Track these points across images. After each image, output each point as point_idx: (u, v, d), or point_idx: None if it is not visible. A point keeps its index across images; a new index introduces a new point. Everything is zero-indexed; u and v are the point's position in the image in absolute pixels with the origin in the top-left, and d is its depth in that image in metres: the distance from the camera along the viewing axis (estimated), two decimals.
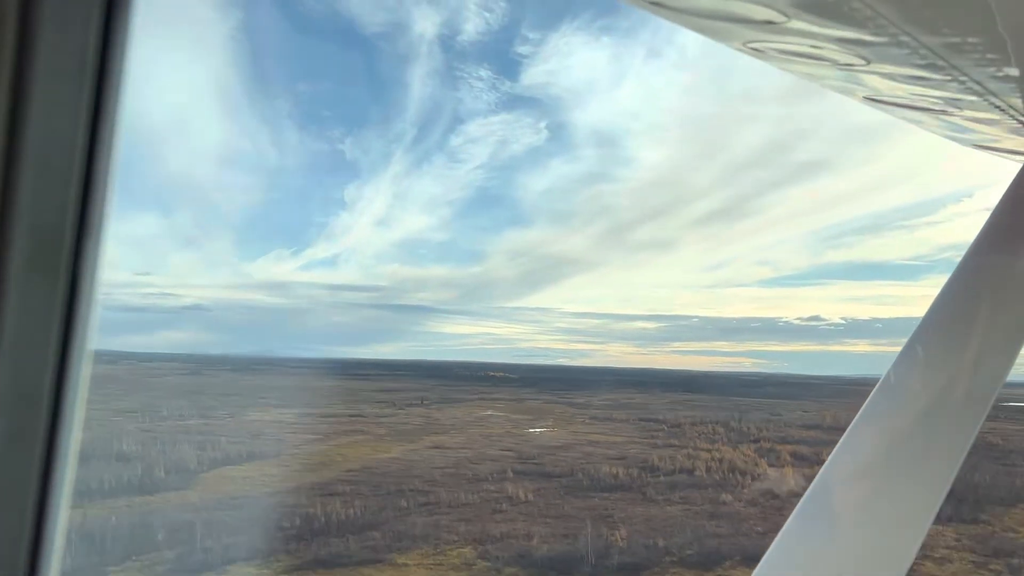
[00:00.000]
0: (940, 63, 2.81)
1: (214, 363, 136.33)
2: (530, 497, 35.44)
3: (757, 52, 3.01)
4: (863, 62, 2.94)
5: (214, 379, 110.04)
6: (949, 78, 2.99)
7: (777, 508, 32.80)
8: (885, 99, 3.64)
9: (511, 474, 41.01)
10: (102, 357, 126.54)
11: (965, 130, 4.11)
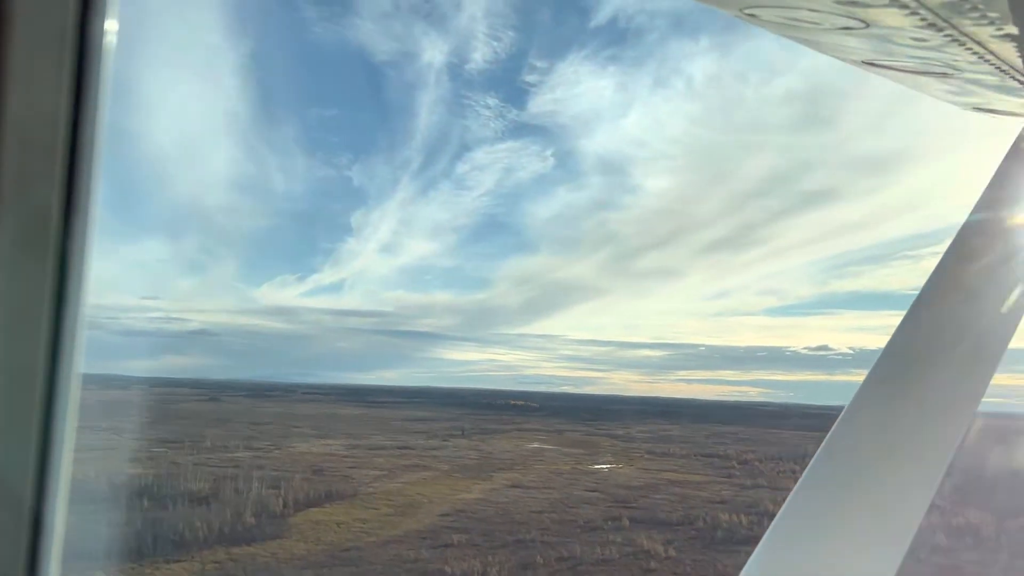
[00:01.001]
0: (940, 23, 2.81)
1: (226, 388, 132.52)
2: (670, 552, 32.19)
3: (753, 18, 2.99)
4: (862, 24, 2.92)
5: (235, 406, 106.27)
6: (949, 39, 2.99)
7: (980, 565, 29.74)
8: (884, 63, 3.59)
9: (626, 522, 37.79)
10: (113, 382, 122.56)
11: (964, 92, 4.01)
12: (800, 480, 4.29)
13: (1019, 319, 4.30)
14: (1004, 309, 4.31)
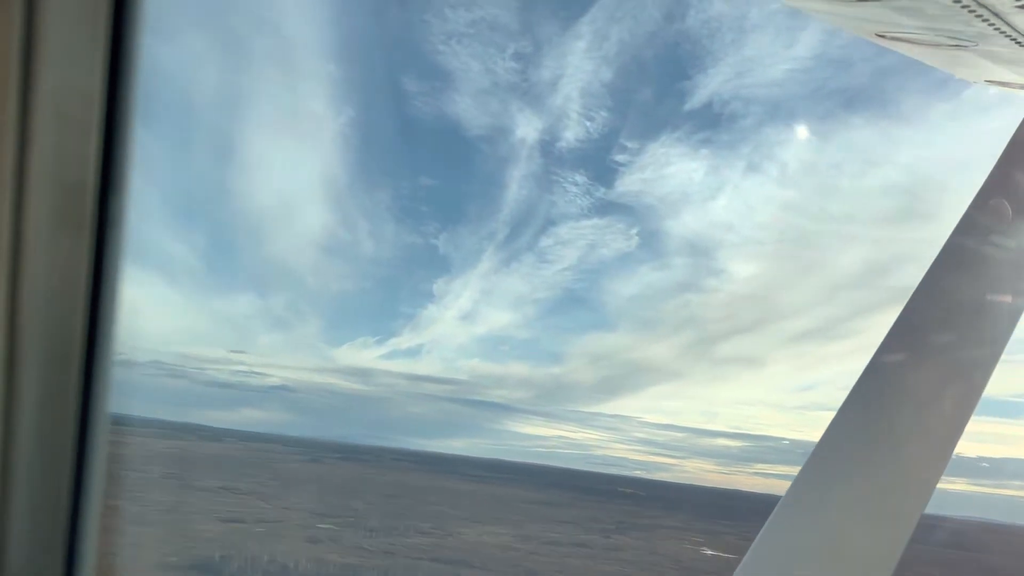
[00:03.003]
0: None
1: (313, 447, 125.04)
2: None
3: None
4: None
5: (341, 470, 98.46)
6: (967, 9, 2.93)
7: None
8: (898, 35, 3.51)
9: None
10: (203, 432, 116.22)
11: (978, 65, 3.93)
12: (800, 471, 4.21)
13: None
14: (1013, 284, 4.14)
